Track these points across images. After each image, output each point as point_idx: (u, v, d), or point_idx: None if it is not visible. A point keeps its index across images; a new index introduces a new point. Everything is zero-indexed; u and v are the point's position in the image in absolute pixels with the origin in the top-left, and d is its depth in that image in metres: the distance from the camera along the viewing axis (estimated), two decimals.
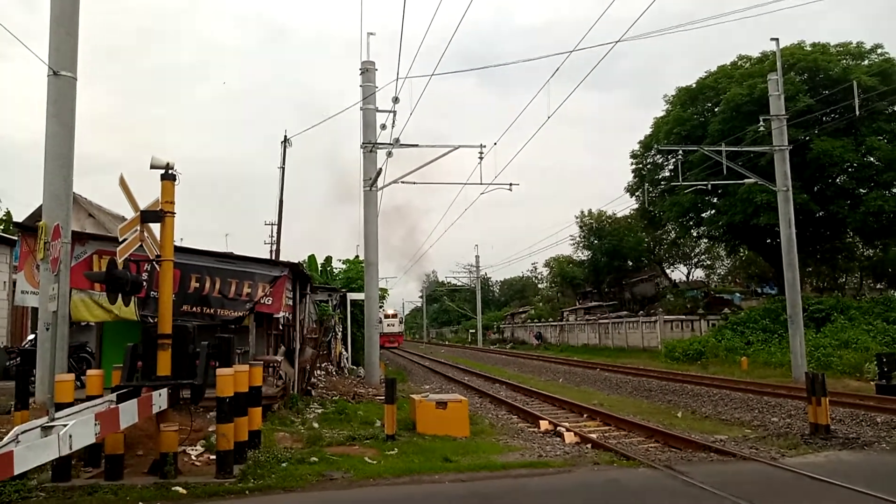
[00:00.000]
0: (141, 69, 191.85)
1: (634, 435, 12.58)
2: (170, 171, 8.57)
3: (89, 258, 13.01)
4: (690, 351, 31.90)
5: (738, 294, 47.87)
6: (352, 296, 27.74)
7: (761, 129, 25.20)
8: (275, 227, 34.39)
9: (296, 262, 16.90)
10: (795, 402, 15.78)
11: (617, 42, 14.82)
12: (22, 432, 5.64)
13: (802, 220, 29.07)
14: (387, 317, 67.58)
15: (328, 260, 34.58)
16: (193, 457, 9.33)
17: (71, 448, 5.59)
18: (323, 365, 22.10)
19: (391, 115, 20.93)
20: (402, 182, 22.68)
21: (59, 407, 7.41)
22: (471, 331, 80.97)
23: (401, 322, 76.07)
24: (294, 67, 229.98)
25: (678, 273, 59.97)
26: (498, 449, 10.96)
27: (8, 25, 13.51)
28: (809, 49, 32.81)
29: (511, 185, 23.19)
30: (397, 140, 21.23)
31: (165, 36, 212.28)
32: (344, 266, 34.58)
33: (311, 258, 33.05)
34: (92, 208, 17.13)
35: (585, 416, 15.19)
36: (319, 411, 14.66)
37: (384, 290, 39.97)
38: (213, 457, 8.70)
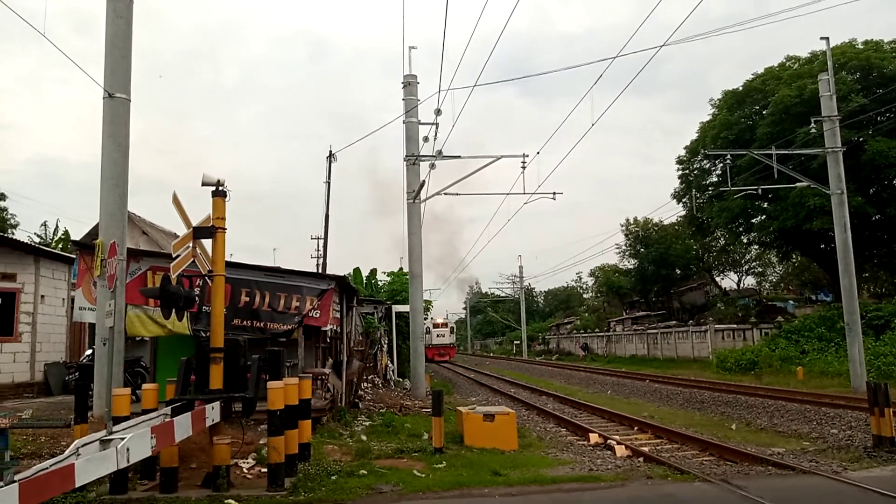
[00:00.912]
0: (186, 90, 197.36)
1: (688, 448, 12.28)
2: (220, 188, 8.73)
3: (143, 274, 13.36)
4: (743, 361, 31.08)
5: (791, 302, 46.60)
6: (397, 308, 27.90)
7: (812, 130, 24.55)
8: (321, 241, 34.83)
9: (342, 275, 17.07)
10: (856, 413, 15.20)
11: (661, 47, 14.61)
12: (82, 445, 5.78)
13: (858, 224, 28.17)
14: (436, 326, 61.17)
15: (373, 272, 34.91)
16: (245, 469, 9.43)
17: (128, 461, 5.69)
18: (369, 377, 22.22)
19: (433, 127, 21.06)
20: (445, 193, 22.78)
21: (117, 420, 7.58)
22: (515, 342, 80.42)
23: (452, 332, 65.09)
24: (336, 83, 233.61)
25: (728, 281, 58.69)
26: (547, 462, 10.81)
27: (65, 50, 14.12)
28: (861, 47, 31.88)
29: (554, 194, 23.04)
30: (440, 152, 21.31)
31: (210, 56, 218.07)
32: (388, 278, 34.83)
33: (357, 271, 33.39)
34: (145, 226, 17.63)
35: (636, 428, 14.91)
36: (367, 424, 14.71)
37: (428, 302, 40.06)
38: (265, 469, 8.79)
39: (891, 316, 28.95)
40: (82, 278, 13.52)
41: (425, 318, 36.21)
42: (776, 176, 23.66)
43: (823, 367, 26.35)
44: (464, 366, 51.65)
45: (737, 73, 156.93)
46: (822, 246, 34.41)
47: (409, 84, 22.92)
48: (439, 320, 62.89)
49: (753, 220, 37.43)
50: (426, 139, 21.78)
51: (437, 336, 60.51)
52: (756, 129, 33.11)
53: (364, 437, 12.89)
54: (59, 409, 13.56)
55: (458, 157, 22.28)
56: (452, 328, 65.59)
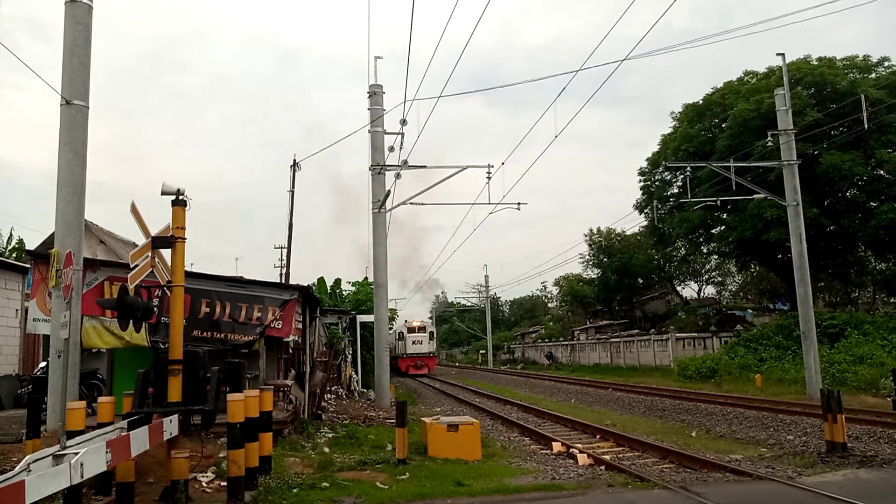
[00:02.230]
0: (148, 96, 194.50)
1: (649, 455, 12.44)
2: (180, 197, 8.62)
3: (101, 285, 13.09)
4: (703, 369, 31.62)
5: (750, 310, 47.61)
6: (361, 318, 27.75)
7: (769, 144, 25.20)
8: (284, 251, 34.54)
9: (305, 285, 16.93)
10: (811, 420, 15.58)
11: (624, 60, 14.88)
12: (34, 461, 5.63)
13: (813, 235, 28.92)
14: (411, 331, 51.32)
15: (337, 282, 34.67)
16: (204, 483, 9.29)
17: (82, 476, 5.55)
18: (333, 388, 22.04)
19: (399, 137, 21.11)
20: (411, 203, 22.80)
21: (71, 435, 7.39)
22: (481, 351, 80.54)
23: (432, 338, 53.89)
24: (302, 90, 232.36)
25: (689, 290, 59.81)
26: (511, 472, 10.85)
27: (23, 56, 13.85)
28: (816, 63, 32.85)
29: (519, 204, 23.23)
30: (405, 161, 21.35)
31: (173, 63, 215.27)
32: (353, 288, 34.64)
33: (321, 281, 33.14)
34: (103, 235, 17.26)
35: (598, 436, 15.05)
36: (330, 436, 14.58)
37: (393, 311, 39.85)
38: (224, 483, 8.66)
39: (844, 324, 29.78)
40: (37, 289, 13.18)
41: (391, 327, 35.83)
42: (734, 188, 24.22)
43: (781, 375, 26.93)
44: (429, 376, 51.56)
45: (698, 87, 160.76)
46: (780, 256, 35.24)
47: (375, 94, 22.93)
48: (415, 323, 52.93)
49: (713, 231, 38.18)
50: (392, 149, 21.81)
51: (413, 343, 50.57)
52: (716, 142, 33.84)
53: (327, 449, 12.78)
54: (11, 424, 13.16)
55: (424, 167, 22.37)
56: (432, 333, 54.57)
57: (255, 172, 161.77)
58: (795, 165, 22.69)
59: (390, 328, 34.95)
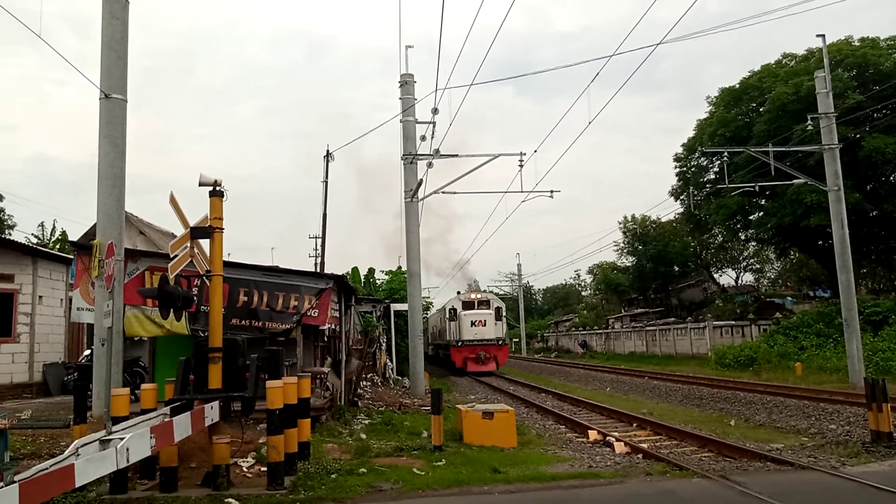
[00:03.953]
0: (182, 89, 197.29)
1: (687, 444, 12.31)
2: (217, 188, 8.73)
3: (141, 275, 13.35)
4: (741, 357, 31.12)
5: (789, 298, 46.71)
6: (395, 307, 27.90)
7: (809, 127, 24.55)
8: (319, 240, 34.81)
9: (340, 274, 17.07)
10: (854, 409, 15.24)
11: (658, 45, 14.64)
12: (81, 446, 5.79)
13: (855, 221, 28.21)
14: (468, 306, 36.21)
15: (371, 271, 34.91)
16: (245, 469, 9.44)
17: (128, 461, 5.70)
18: (368, 376, 22.23)
19: (430, 126, 21.09)
20: (443, 192, 22.79)
21: (116, 420, 7.59)
22: (514, 340, 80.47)
23: (500, 317, 37.14)
24: (333, 81, 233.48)
25: (726, 278, 58.87)
26: (547, 459, 10.83)
27: (63, 52, 14.10)
28: (858, 44, 31.90)
29: (552, 192, 23.03)
30: (437, 151, 21.33)
31: (205, 57, 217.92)
32: (386, 277, 34.84)
33: (355, 270, 33.40)
34: (143, 226, 17.60)
35: (635, 425, 14.93)
36: (366, 422, 14.73)
37: (427, 301, 39.86)
38: (265, 468, 8.80)
39: (888, 312, 29.01)
40: (80, 279, 13.50)
41: (425, 315, 34.72)
42: (773, 173, 23.71)
43: (822, 363, 26.39)
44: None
45: (734, 71, 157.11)
46: (820, 242, 34.45)
47: (406, 83, 22.93)
48: (474, 295, 38.03)
49: (751, 217, 37.47)
50: (423, 138, 21.81)
51: (473, 325, 35.13)
52: (753, 127, 33.14)
53: (363, 436, 12.90)
54: (58, 410, 13.56)
55: (456, 155, 22.33)
56: (499, 309, 37.58)
57: (283, 163, 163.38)
58: (837, 149, 22.10)
59: (425, 315, 34.39)
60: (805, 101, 28.24)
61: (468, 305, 36.44)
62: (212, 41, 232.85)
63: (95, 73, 12.35)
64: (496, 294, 52.87)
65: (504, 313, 38.17)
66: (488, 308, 36.49)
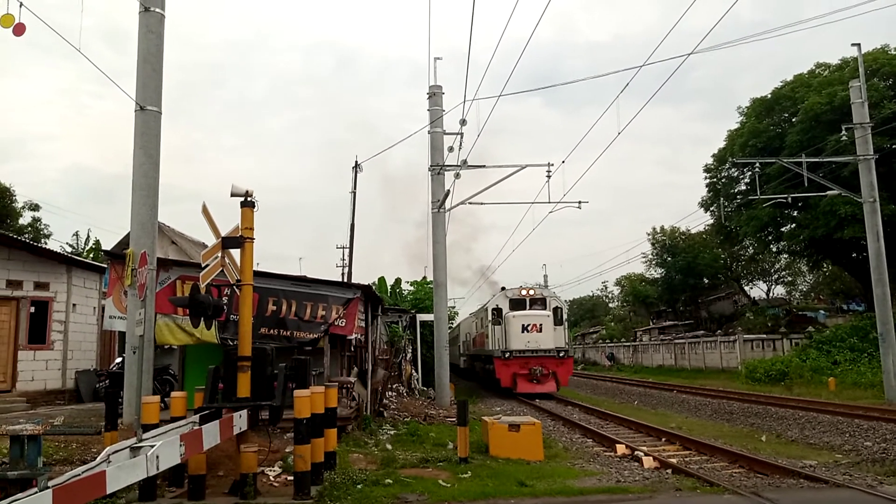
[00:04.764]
0: (213, 101, 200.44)
1: (717, 460, 12.09)
2: (248, 199, 8.84)
3: (173, 284, 13.54)
4: (773, 371, 30.53)
5: (822, 311, 45.80)
6: (421, 317, 27.90)
7: (843, 138, 24.13)
8: (346, 251, 35.03)
9: (367, 284, 17.14)
10: (891, 426, 14.87)
11: (689, 55, 14.50)
12: (113, 452, 5.87)
13: (891, 233, 27.59)
14: (517, 304, 28.39)
15: (397, 282, 35.05)
16: (272, 477, 9.49)
17: (158, 468, 5.76)
18: (394, 386, 22.24)
19: (458, 137, 21.12)
20: (470, 203, 22.80)
21: (146, 428, 7.68)
22: None
23: (560, 320, 28.64)
24: (362, 92, 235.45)
25: (757, 290, 57.93)
26: (574, 473, 10.71)
27: (100, 65, 14.46)
28: (894, 53, 31.35)
29: (580, 202, 22.84)
30: (465, 161, 21.36)
31: (237, 69, 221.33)
32: (412, 287, 34.93)
33: (381, 280, 33.54)
34: (175, 236, 17.88)
35: (664, 439, 14.72)
36: (392, 433, 14.72)
37: (453, 311, 39.91)
38: (291, 478, 8.83)
39: None
40: (113, 287, 13.75)
41: (450, 324, 33.56)
42: (806, 184, 23.32)
43: (856, 378, 25.81)
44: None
45: (765, 81, 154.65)
46: (854, 255, 33.78)
47: (435, 94, 23.04)
48: (525, 291, 29.26)
49: (783, 229, 36.90)
50: (451, 149, 21.85)
51: (525, 330, 26.85)
52: (785, 137, 32.69)
53: (389, 446, 12.90)
54: (90, 416, 13.79)
55: (483, 166, 22.32)
56: (559, 310, 28.96)
57: (311, 173, 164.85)
58: (872, 160, 21.68)
59: (451, 325, 33.84)
60: (839, 111, 27.79)
61: (517, 304, 28.41)
62: (245, 53, 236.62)
63: (131, 86, 12.62)
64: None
65: (566, 315, 29.87)
66: (544, 308, 28.33)
